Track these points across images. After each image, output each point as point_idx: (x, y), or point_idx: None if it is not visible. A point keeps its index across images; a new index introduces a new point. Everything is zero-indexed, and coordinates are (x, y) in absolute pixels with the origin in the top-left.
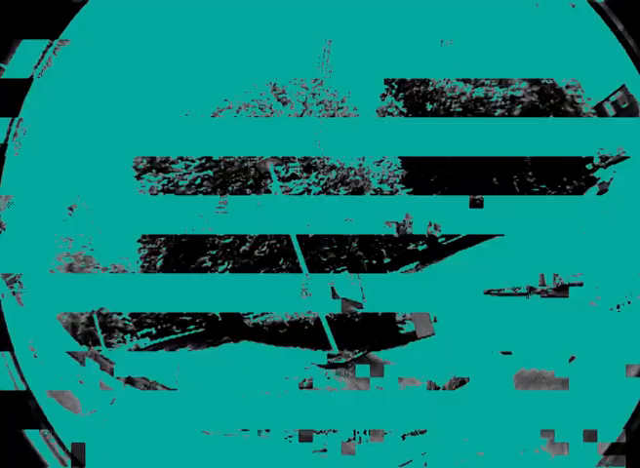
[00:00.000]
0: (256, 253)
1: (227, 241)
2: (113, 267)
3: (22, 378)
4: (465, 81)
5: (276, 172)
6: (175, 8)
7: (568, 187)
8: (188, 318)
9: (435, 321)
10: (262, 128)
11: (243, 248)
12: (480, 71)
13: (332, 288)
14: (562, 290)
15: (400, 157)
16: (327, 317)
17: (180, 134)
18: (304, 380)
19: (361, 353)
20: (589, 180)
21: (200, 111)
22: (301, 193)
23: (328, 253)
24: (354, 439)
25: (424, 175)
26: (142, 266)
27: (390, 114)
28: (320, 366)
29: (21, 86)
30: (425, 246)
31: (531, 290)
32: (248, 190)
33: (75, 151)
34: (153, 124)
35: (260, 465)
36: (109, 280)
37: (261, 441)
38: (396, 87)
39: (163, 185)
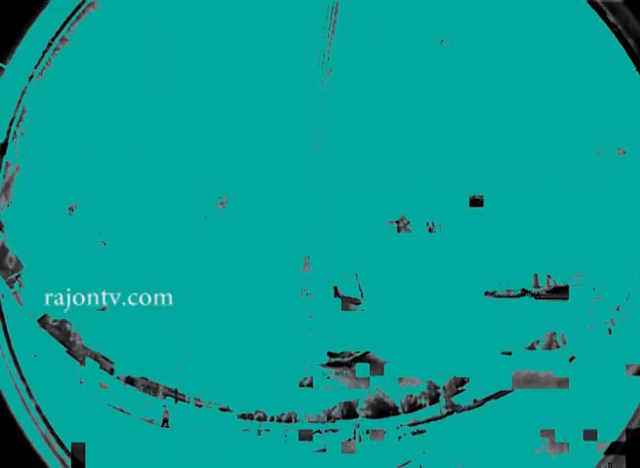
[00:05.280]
0: None
1: None
2: None
3: (22, 378)
4: None
5: None
6: (176, 7)
7: None
8: None
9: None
10: None
11: None
12: (477, 72)
13: (335, 287)
14: (562, 290)
15: None
16: None
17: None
18: (304, 380)
19: (361, 353)
20: None
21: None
22: None
23: None
24: (354, 438)
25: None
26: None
27: None
28: (320, 365)
29: (21, 86)
30: None
31: (531, 290)
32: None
33: (75, 151)
34: (154, 123)
35: (259, 465)
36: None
37: (261, 440)
38: None
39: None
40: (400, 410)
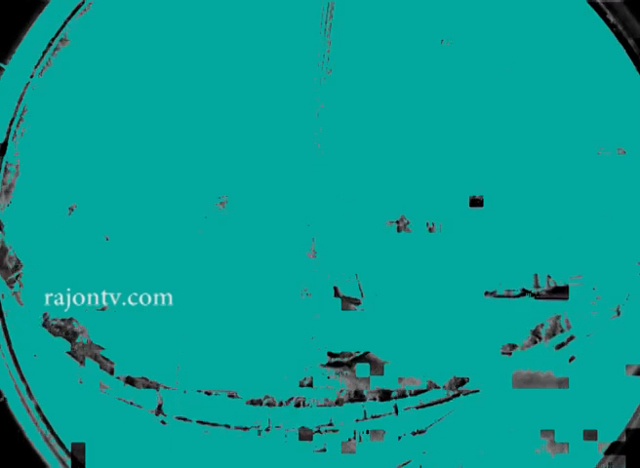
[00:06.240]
0: None
1: None
2: None
3: (22, 378)
4: None
5: None
6: (175, 6)
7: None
8: None
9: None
10: None
11: None
12: (477, 72)
13: (335, 287)
14: (561, 290)
15: None
16: None
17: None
18: (304, 379)
19: (361, 353)
20: None
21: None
22: None
23: None
24: (354, 438)
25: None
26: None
27: None
28: (320, 365)
29: (21, 86)
30: None
31: (531, 290)
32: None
33: (75, 151)
34: (154, 123)
35: (259, 465)
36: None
37: (261, 440)
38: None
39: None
40: (407, 393)
